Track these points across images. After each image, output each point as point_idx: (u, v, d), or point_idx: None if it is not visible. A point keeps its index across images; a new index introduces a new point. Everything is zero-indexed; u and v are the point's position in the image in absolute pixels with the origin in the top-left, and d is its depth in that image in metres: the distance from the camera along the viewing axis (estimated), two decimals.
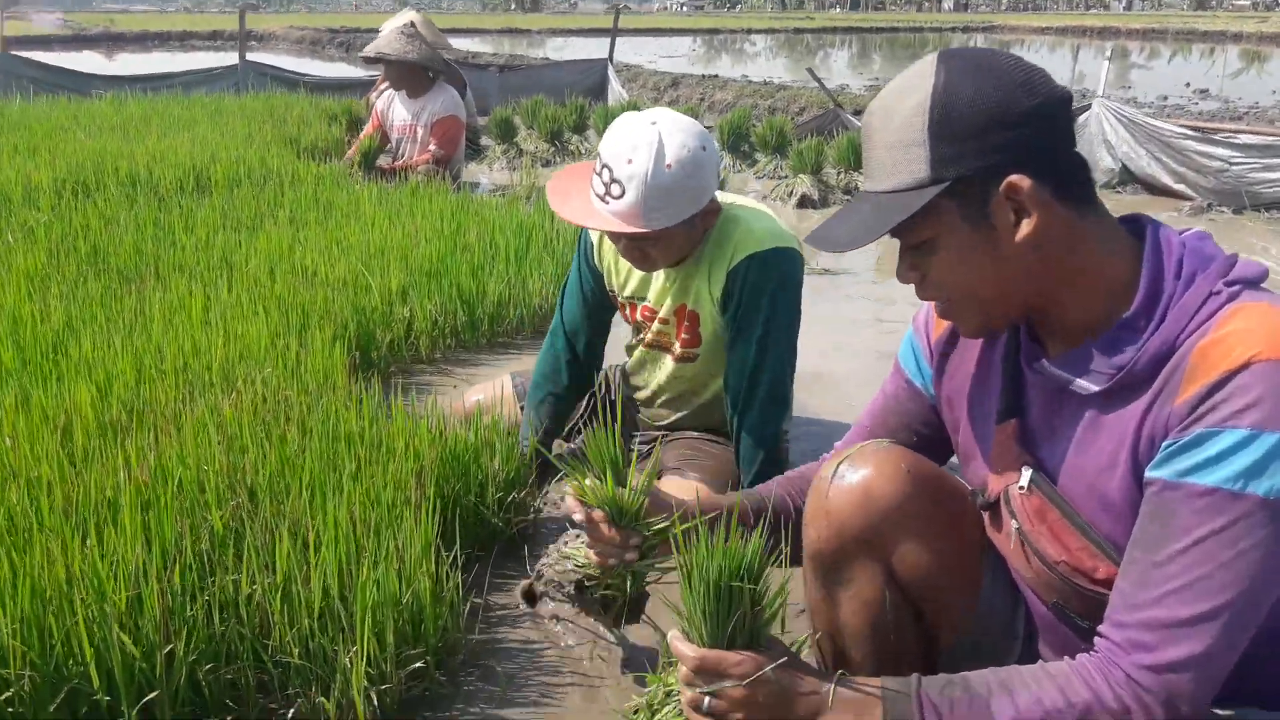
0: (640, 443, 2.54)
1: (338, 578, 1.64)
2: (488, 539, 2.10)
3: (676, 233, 2.05)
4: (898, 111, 1.11)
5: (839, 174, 6.52)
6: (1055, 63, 22.00)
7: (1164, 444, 1.04)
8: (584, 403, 2.65)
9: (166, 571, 1.57)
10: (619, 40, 11.17)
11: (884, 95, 1.15)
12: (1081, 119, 6.69)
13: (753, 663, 1.16)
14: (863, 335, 3.73)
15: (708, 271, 2.17)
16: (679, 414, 2.42)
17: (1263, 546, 0.99)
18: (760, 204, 2.24)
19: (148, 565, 1.56)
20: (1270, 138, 6.11)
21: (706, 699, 1.17)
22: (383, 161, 5.74)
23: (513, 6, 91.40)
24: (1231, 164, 5.90)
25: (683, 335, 2.27)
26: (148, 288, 3.03)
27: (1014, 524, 1.24)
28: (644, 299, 2.31)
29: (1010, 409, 1.24)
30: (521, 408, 2.49)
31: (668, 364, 2.35)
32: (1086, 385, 1.12)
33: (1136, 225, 1.15)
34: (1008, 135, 1.07)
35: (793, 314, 2.16)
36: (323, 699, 1.57)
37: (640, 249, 2.08)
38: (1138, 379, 1.08)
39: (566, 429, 2.62)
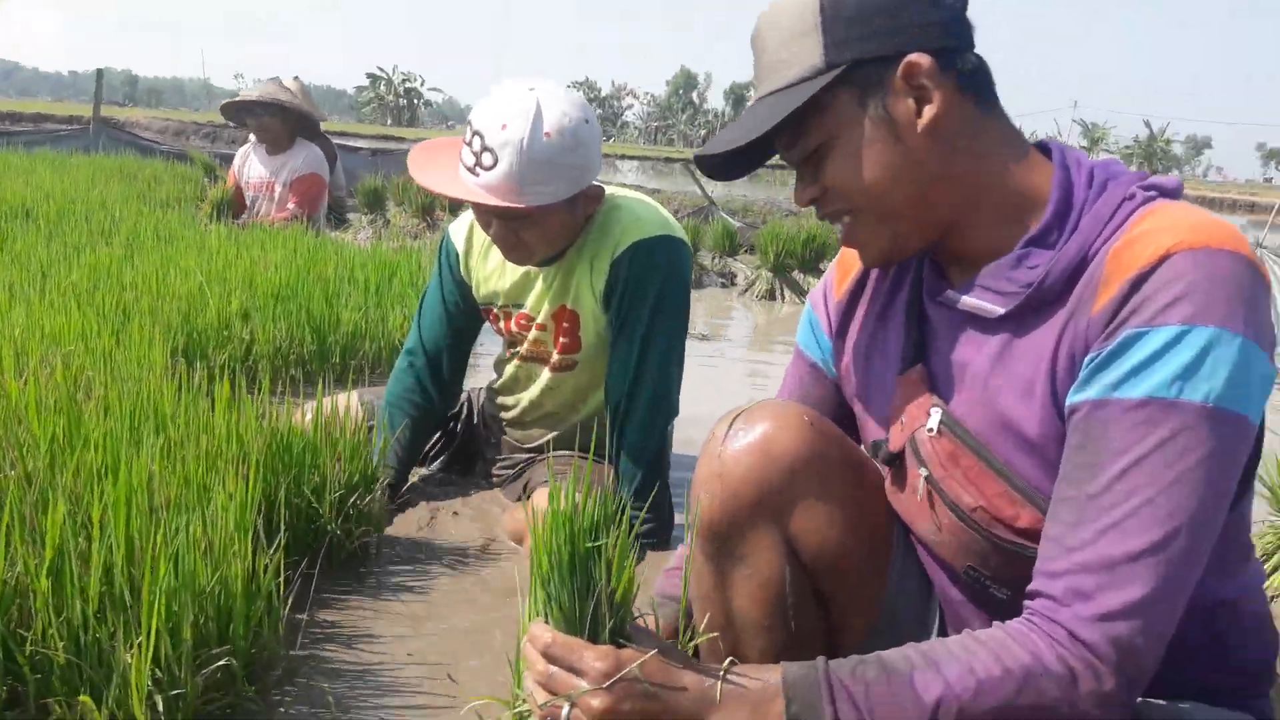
0: (504, 466, 2.29)
1: (124, 558, 1.32)
2: (322, 549, 1.79)
3: (554, 214, 1.86)
4: (786, 8, 1.01)
5: (714, 258, 6.55)
6: None
7: (1085, 361, 0.91)
8: (445, 426, 2.41)
9: None
10: None
11: (770, 6, 1.05)
12: None
13: (614, 659, 0.93)
14: (739, 389, 3.60)
15: (589, 264, 1.98)
16: (553, 433, 2.19)
17: (1207, 462, 0.85)
18: (645, 196, 2.08)
19: None
20: None
21: (566, 708, 0.93)
22: (240, 222, 5.40)
23: (390, 121, 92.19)
24: None
25: (561, 340, 2.06)
26: None
27: (922, 473, 1.06)
28: (520, 305, 2.10)
29: (915, 355, 1.09)
30: (370, 428, 2.20)
31: (544, 376, 2.13)
32: (992, 308, 1.00)
33: (1041, 145, 1.05)
34: (904, 16, 0.97)
35: (681, 308, 1.99)
36: (88, 703, 1.23)
37: (514, 232, 1.88)
38: (1049, 295, 0.95)
39: (423, 454, 2.37)
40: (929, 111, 0.97)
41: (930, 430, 1.06)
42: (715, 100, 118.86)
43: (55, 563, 1.29)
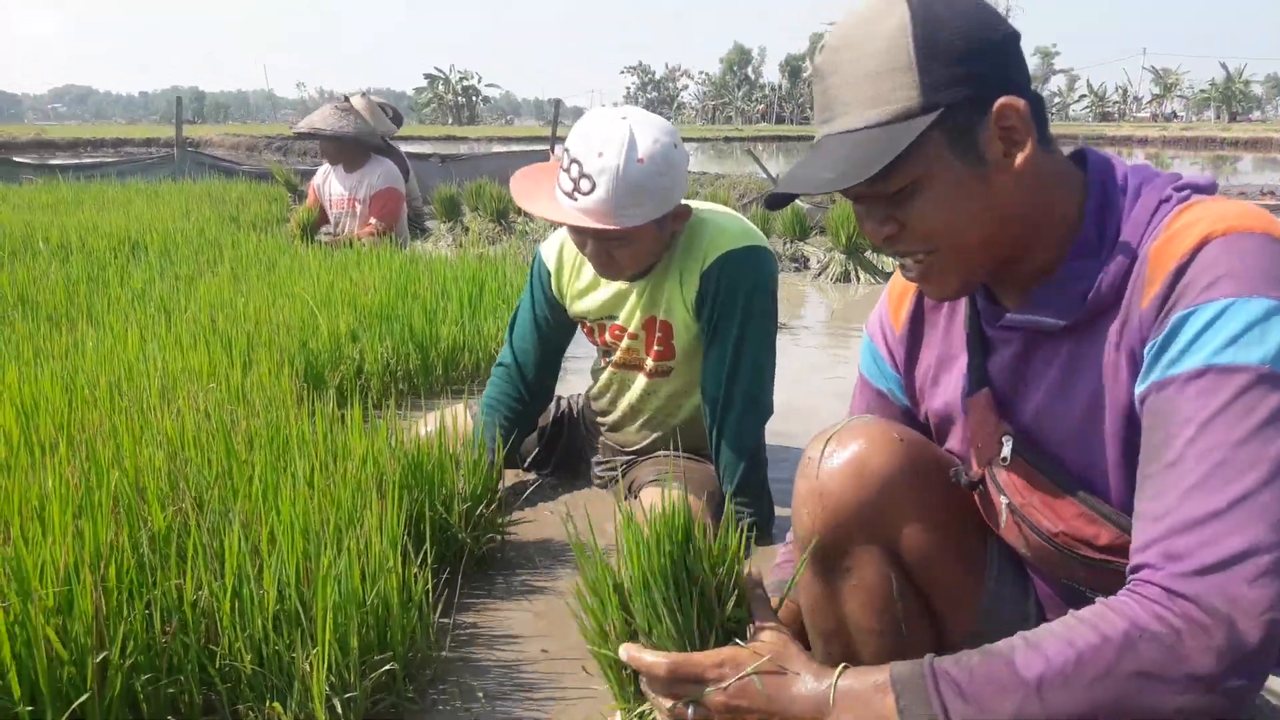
0: (606, 468, 2.42)
1: (295, 575, 1.47)
2: (454, 557, 1.94)
3: (645, 234, 1.98)
4: (872, 37, 0.98)
5: (785, 243, 6.58)
6: None
7: (1144, 352, 0.96)
8: (547, 430, 2.54)
9: (101, 569, 1.40)
10: (560, 135, 11.32)
11: (845, 29, 1.02)
12: None
13: (733, 665, 1.03)
14: (820, 377, 3.67)
15: (679, 276, 2.09)
16: (654, 435, 2.31)
17: (1276, 419, 0.85)
18: (726, 208, 2.19)
19: (79, 563, 1.38)
20: None
21: (690, 708, 1.04)
22: (323, 237, 5.62)
23: (450, 120, 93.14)
24: None
25: (654, 349, 2.18)
26: (79, 331, 2.86)
27: (1004, 500, 1.14)
28: (614, 318, 2.22)
29: (979, 379, 1.15)
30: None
31: (640, 382, 2.26)
32: (1054, 321, 1.04)
33: (1078, 155, 1.10)
34: (991, 60, 0.99)
35: (769, 313, 2.09)
36: (278, 709, 1.39)
37: (608, 251, 2.00)
38: (1105, 301, 1.01)
39: (528, 460, 2.51)
40: (1020, 155, 1.00)
41: (1005, 460, 1.11)
42: (771, 74, 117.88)
43: (235, 585, 1.45)
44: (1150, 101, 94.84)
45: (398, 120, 6.29)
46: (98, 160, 9.77)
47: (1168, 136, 37.00)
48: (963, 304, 1.19)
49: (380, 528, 1.58)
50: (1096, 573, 1.08)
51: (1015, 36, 1.02)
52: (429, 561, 1.64)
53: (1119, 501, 1.04)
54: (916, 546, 1.16)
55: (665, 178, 1.92)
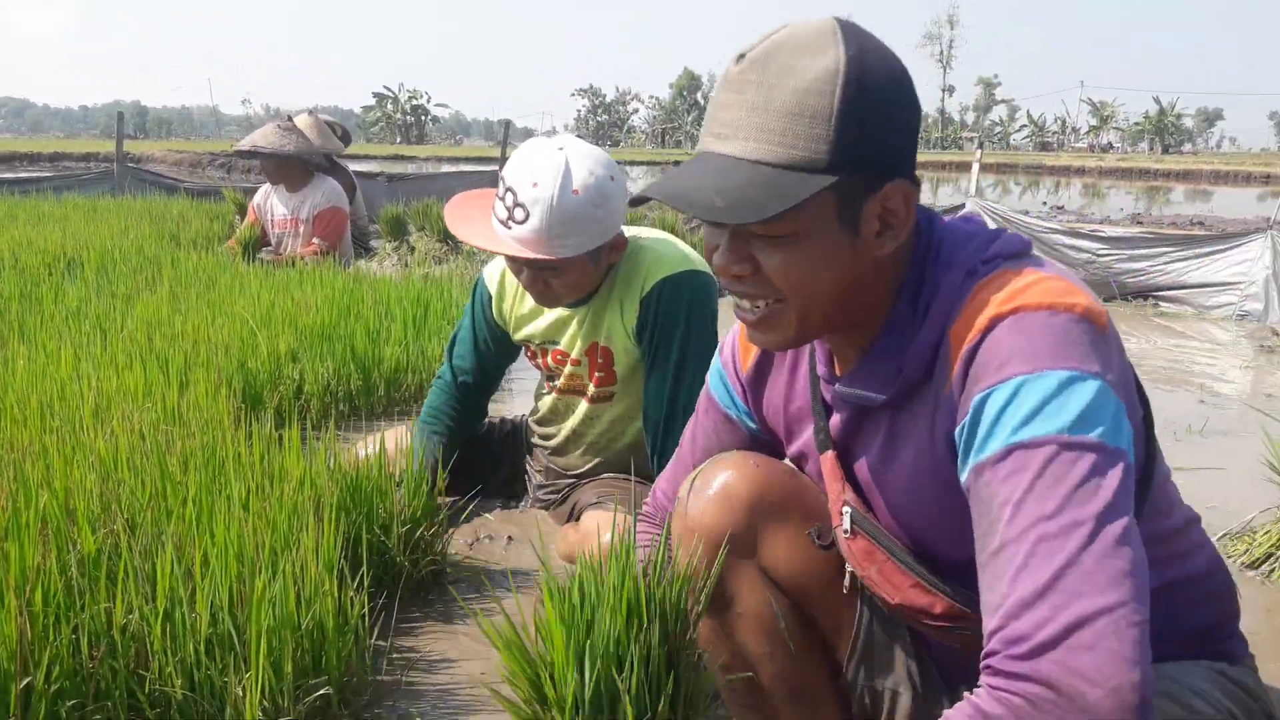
0: (549, 491, 2.42)
1: (228, 598, 1.46)
2: (393, 580, 1.92)
3: (580, 264, 1.99)
4: (799, 72, 0.93)
5: None
6: (922, 195, 23.32)
7: (956, 436, 0.96)
8: (491, 454, 2.53)
9: (26, 592, 1.37)
10: (509, 156, 11.28)
11: (773, 49, 0.95)
12: (961, 214, 7.01)
13: None
14: None
15: (619, 303, 2.11)
16: (596, 459, 2.32)
17: (1085, 483, 0.85)
18: (666, 234, 2.21)
19: (4, 587, 1.36)
20: (1134, 229, 6.53)
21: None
22: (266, 256, 5.54)
23: (398, 139, 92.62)
24: (1098, 255, 6.26)
25: (596, 374, 2.20)
26: (10, 349, 2.79)
27: (848, 568, 1.18)
28: (555, 343, 2.23)
29: (825, 440, 1.17)
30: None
31: (582, 407, 2.27)
32: (874, 396, 1.06)
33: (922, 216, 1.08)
34: (901, 138, 0.97)
35: (709, 336, 2.11)
36: None
37: (543, 279, 2.02)
38: (917, 378, 1.02)
39: (476, 489, 2.50)
40: (891, 240, 0.99)
41: (846, 530, 1.14)
42: None
43: (167, 608, 1.43)
44: (1088, 132, 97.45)
45: (346, 139, 6.24)
46: (34, 175, 9.55)
47: (1104, 167, 38.03)
48: (804, 358, 1.21)
49: (316, 550, 1.57)
50: (945, 635, 1.12)
51: (921, 117, 1.04)
52: (365, 585, 1.63)
53: (950, 568, 1.07)
54: (785, 562, 1.21)
55: (600, 209, 1.94)
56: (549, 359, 2.27)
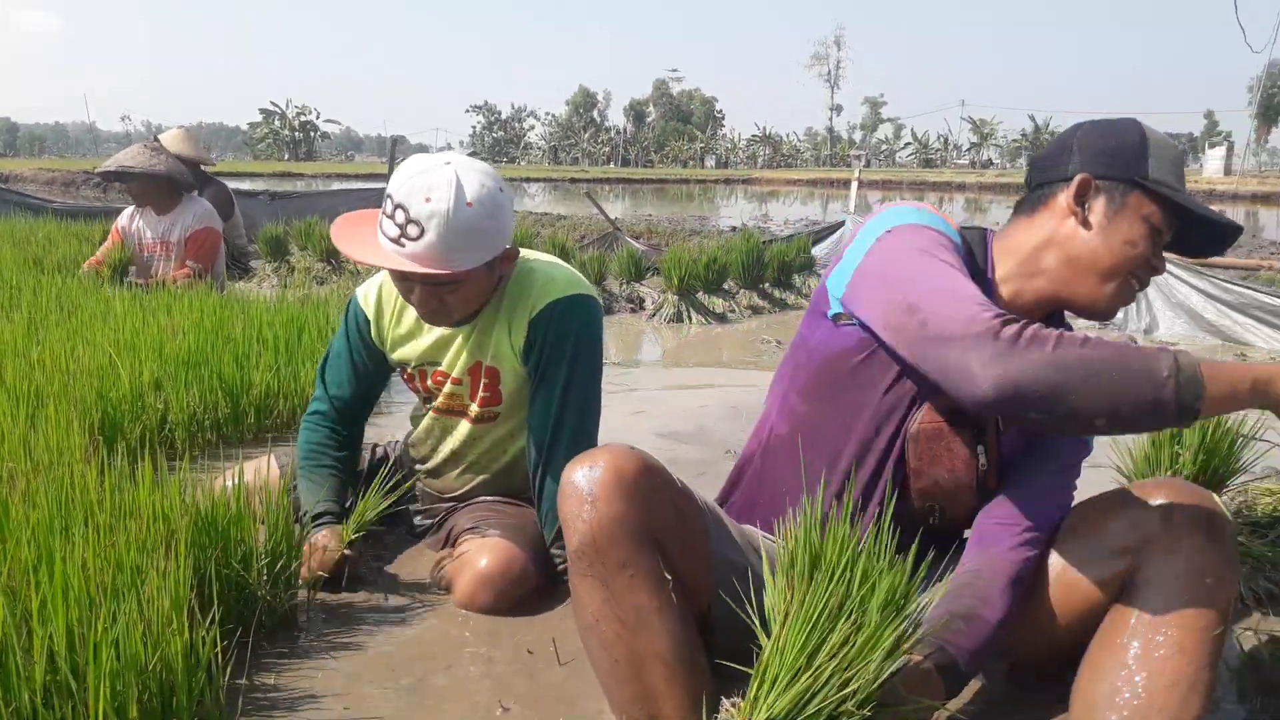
0: (426, 516, 2.39)
1: (66, 644, 1.39)
2: (255, 616, 1.86)
3: (477, 276, 1.98)
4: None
5: (621, 284, 6.69)
6: (810, 209, 23.92)
7: None
8: (366, 483, 2.48)
9: None
10: None
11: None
12: (835, 235, 7.21)
13: None
14: (663, 407, 3.75)
15: (507, 324, 2.10)
16: (476, 480, 2.29)
17: None
18: (554, 257, 2.22)
19: None
20: None
21: None
22: (134, 280, 5.31)
23: (286, 156, 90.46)
24: None
25: (481, 394, 2.18)
26: None
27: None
28: (436, 364, 2.20)
29: None
30: (289, 487, 2.27)
31: (464, 428, 2.24)
32: None
33: None
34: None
35: (596, 360, 2.12)
36: None
37: (438, 297, 2.00)
38: None
39: (344, 507, 2.44)
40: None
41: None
42: (616, 117, 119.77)
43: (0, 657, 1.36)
44: (969, 149, 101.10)
45: (205, 163, 6.07)
46: None
47: (984, 182, 39.52)
48: None
49: (165, 588, 1.51)
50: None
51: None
52: (218, 621, 1.57)
53: None
54: (666, 526, 1.45)
55: (494, 220, 1.93)
56: (428, 381, 2.24)
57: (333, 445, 2.29)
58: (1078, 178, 1.53)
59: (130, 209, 5.36)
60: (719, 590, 1.52)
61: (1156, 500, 1.44)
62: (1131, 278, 1.54)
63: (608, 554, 1.39)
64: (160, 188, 5.11)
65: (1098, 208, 1.53)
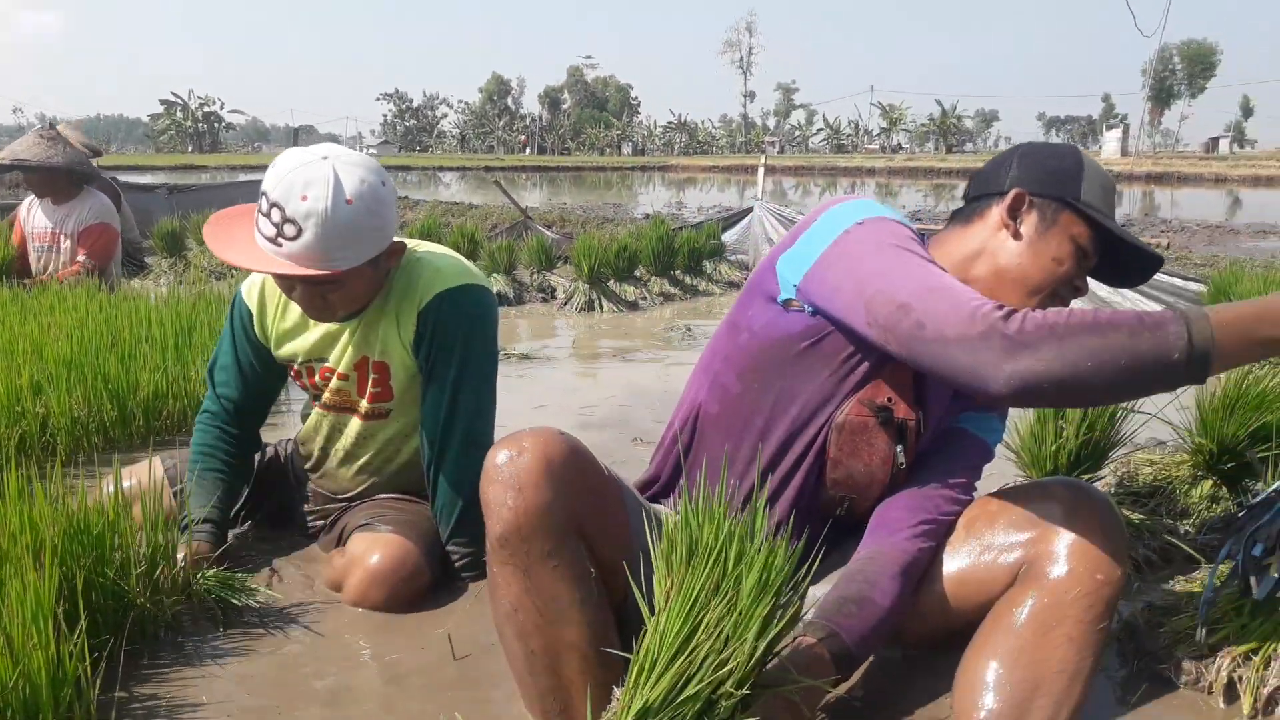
0: (317, 517, 2.33)
1: None
2: (134, 624, 1.80)
3: (360, 274, 1.92)
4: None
5: (532, 273, 6.63)
6: (726, 196, 24.09)
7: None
8: (257, 486, 2.41)
9: None
10: None
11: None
12: (744, 221, 7.26)
13: None
14: (572, 396, 3.72)
15: (395, 316, 2.05)
16: (370, 480, 2.24)
17: None
18: (444, 248, 2.16)
19: None
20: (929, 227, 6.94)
21: None
22: (27, 281, 5.08)
23: (190, 148, 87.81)
24: None
25: (370, 390, 2.12)
26: None
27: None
28: (323, 360, 2.14)
29: None
30: (176, 492, 2.20)
31: (354, 425, 2.18)
32: None
33: None
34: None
35: (489, 351, 2.08)
36: None
37: (321, 295, 1.93)
38: None
39: (235, 511, 2.37)
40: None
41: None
42: (531, 105, 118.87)
43: None
44: (879, 134, 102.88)
45: (96, 155, 5.86)
46: None
47: (894, 167, 40.31)
48: None
49: (26, 600, 1.45)
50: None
51: None
52: (85, 632, 1.51)
53: None
54: (589, 511, 1.42)
55: (376, 216, 1.87)
56: (316, 377, 2.18)
57: (223, 447, 2.22)
58: (1013, 191, 1.57)
59: (30, 198, 5.17)
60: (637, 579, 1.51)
61: (1052, 497, 1.49)
62: (1056, 295, 1.57)
63: (532, 543, 1.36)
64: (57, 179, 4.94)
65: (1030, 222, 1.57)
